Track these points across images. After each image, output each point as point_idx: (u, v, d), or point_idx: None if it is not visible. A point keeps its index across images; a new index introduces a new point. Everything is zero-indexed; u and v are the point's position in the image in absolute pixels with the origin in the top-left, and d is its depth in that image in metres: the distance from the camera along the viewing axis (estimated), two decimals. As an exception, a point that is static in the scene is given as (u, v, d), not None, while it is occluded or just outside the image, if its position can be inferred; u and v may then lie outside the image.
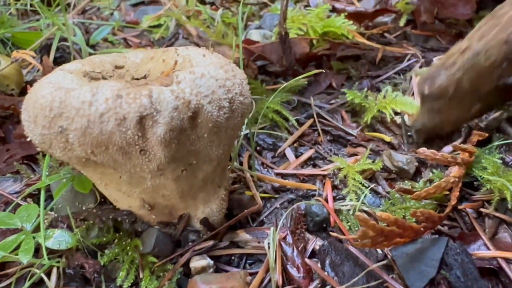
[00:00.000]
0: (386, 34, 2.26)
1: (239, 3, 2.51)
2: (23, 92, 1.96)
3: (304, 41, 2.01)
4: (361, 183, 1.37)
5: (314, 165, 1.55)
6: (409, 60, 2.00)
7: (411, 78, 1.90)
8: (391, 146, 1.59)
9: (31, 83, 2.04)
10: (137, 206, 1.18)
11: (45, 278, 1.15)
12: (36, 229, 1.22)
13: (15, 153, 1.55)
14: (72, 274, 1.17)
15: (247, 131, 1.57)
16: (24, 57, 2.12)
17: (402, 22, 2.27)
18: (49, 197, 1.41)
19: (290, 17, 2.27)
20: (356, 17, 2.26)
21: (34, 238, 1.18)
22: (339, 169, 1.44)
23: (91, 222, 1.21)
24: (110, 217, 1.19)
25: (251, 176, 1.42)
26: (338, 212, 1.33)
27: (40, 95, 1.02)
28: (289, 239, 1.23)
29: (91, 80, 1.14)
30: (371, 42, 2.11)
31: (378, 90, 1.87)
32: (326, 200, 1.34)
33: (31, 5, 2.78)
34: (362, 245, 1.08)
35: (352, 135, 1.65)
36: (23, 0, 2.95)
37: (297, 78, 1.61)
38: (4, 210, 1.32)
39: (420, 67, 1.93)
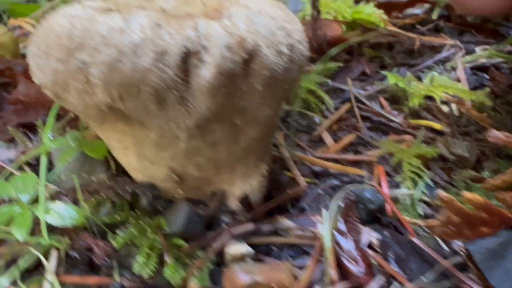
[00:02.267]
0: (417, 26, 2.10)
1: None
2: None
3: (336, 23, 1.84)
4: (419, 168, 1.18)
5: (356, 151, 1.36)
6: (448, 50, 1.83)
7: (452, 68, 1.73)
8: (441, 135, 1.40)
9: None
10: (162, 177, 0.97)
11: (44, 260, 0.92)
12: (34, 202, 1.00)
13: (8, 120, 1.32)
14: (77, 258, 0.94)
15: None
16: (22, 25, 1.90)
17: (435, 15, 2.12)
18: (49, 169, 1.19)
19: (317, 2, 2.10)
20: (386, 6, 2.10)
21: (31, 211, 0.95)
22: (390, 154, 1.24)
23: (103, 195, 0.99)
24: (128, 190, 0.97)
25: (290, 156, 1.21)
26: (394, 200, 1.12)
27: (56, 23, 0.81)
28: (343, 227, 1.02)
29: (115, 19, 0.94)
30: (405, 32, 1.95)
31: (418, 79, 1.69)
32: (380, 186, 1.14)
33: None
34: (443, 233, 0.88)
35: (395, 122, 1.46)
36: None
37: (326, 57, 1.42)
38: (-5, 180, 1.09)
39: (462, 56, 1.77)
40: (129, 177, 1.04)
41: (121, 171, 1.07)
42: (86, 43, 0.77)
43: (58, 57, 0.78)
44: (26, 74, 1.44)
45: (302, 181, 1.13)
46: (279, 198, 1.06)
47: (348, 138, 1.37)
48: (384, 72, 1.61)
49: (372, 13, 1.95)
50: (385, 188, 1.12)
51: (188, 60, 0.78)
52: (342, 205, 1.08)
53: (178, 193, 0.99)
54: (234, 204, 1.00)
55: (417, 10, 2.17)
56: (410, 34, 1.92)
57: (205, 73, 0.78)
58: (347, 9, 2.00)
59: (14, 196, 0.99)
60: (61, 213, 0.95)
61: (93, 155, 1.00)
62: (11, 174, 1.10)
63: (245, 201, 0.98)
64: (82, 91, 0.80)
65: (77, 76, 0.78)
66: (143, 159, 0.95)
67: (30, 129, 1.33)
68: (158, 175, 0.97)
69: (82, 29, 0.77)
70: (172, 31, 0.76)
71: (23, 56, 1.81)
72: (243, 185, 1.00)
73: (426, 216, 1.12)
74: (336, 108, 1.51)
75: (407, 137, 1.40)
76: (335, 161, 1.29)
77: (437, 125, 1.40)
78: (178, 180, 0.96)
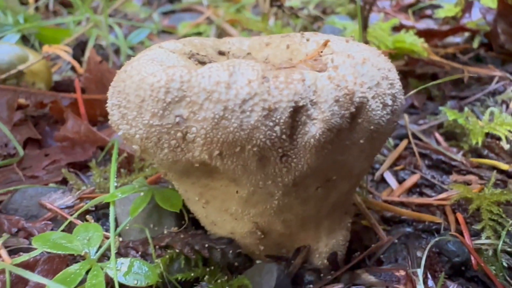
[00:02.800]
0: (459, 55, 2.05)
1: (289, 15, 2.29)
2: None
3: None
4: (500, 216, 1.11)
5: (421, 193, 1.29)
6: (497, 82, 1.78)
7: (503, 101, 1.68)
8: (507, 175, 1.34)
9: (61, 83, 1.75)
10: (243, 233, 0.90)
11: (119, 326, 0.85)
12: (101, 256, 0.92)
13: (57, 158, 1.25)
14: (153, 321, 0.87)
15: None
16: (57, 52, 1.84)
17: (476, 43, 2.08)
18: (103, 216, 1.11)
19: (356, 30, 2.06)
20: (426, 34, 2.06)
21: (102, 269, 0.88)
22: (466, 199, 1.18)
23: (177, 250, 0.92)
24: (206, 245, 0.90)
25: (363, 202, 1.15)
26: (476, 251, 1.06)
27: (147, 73, 0.74)
28: (431, 283, 0.95)
29: (198, 64, 0.88)
30: (449, 61, 1.90)
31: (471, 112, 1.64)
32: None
33: (62, 3, 2.51)
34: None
35: (455, 160, 1.40)
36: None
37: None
38: (53, 230, 1.02)
39: (513, 90, 1.71)
40: (201, 228, 0.97)
41: (192, 224, 1.00)
42: (185, 98, 0.70)
43: (153, 111, 0.72)
44: (73, 108, 1.38)
45: (382, 232, 1.06)
46: (364, 253, 0.99)
47: (412, 179, 1.31)
48: (441, 108, 1.55)
49: (414, 41, 1.91)
50: (468, 239, 1.06)
51: (296, 116, 0.71)
52: (423, 256, 1.01)
53: (258, 249, 0.92)
54: (318, 261, 0.93)
55: (458, 39, 2.13)
56: (455, 64, 1.87)
57: (313, 129, 0.72)
58: (388, 37, 1.96)
59: (81, 250, 0.91)
60: (134, 272, 0.88)
61: (170, 208, 0.93)
62: (70, 223, 1.02)
63: (333, 259, 0.91)
64: (176, 146, 0.74)
65: (174, 132, 0.72)
66: (225, 214, 0.88)
67: (79, 168, 1.26)
68: (239, 231, 0.90)
69: (181, 81, 0.71)
70: (281, 84, 0.70)
71: (56, 84, 1.74)
72: (328, 240, 0.93)
73: (510, 268, 1.05)
74: (395, 146, 1.45)
75: (472, 177, 1.34)
76: (403, 204, 1.23)
77: (503, 165, 1.34)
78: (262, 235, 0.89)
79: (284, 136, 0.71)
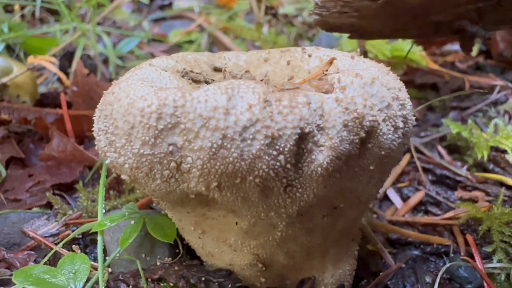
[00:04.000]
0: (457, 63, 2.01)
1: (284, 23, 2.23)
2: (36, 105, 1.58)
3: (380, 63, 1.73)
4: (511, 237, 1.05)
5: (426, 212, 1.23)
6: (499, 92, 1.74)
7: (505, 111, 1.63)
8: (513, 191, 1.29)
9: (47, 96, 1.67)
10: (243, 265, 0.83)
11: None
12: (89, 291, 0.85)
13: (42, 179, 1.17)
14: None
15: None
16: (43, 63, 1.76)
17: (474, 52, 2.03)
18: (91, 242, 1.04)
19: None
20: (424, 43, 2.01)
21: (89, 307, 0.80)
22: (475, 219, 1.12)
23: (171, 284, 0.85)
24: (203, 278, 0.83)
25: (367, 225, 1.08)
26: (489, 277, 1.00)
27: (137, 96, 0.67)
28: (443, 316, 0.89)
29: (192, 83, 0.81)
30: (448, 70, 1.85)
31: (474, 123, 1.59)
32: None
33: (49, 10, 2.43)
34: None
35: (460, 175, 1.34)
36: (30, 7, 2.62)
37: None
38: (36, 261, 0.94)
39: (516, 100, 1.67)
40: (197, 258, 0.90)
41: (185, 252, 0.93)
42: (180, 125, 0.64)
43: (143, 139, 0.65)
44: (59, 124, 1.30)
45: (389, 258, 1.00)
46: (373, 284, 0.93)
47: (417, 197, 1.25)
48: (443, 120, 1.50)
49: (412, 50, 1.86)
50: (480, 264, 1.00)
51: (301, 143, 0.65)
52: (435, 283, 0.95)
53: (259, 281, 0.85)
54: (324, 293, 0.86)
55: (456, 46, 2.08)
56: (455, 74, 1.82)
57: (320, 157, 0.65)
58: (385, 46, 1.91)
59: (66, 285, 0.84)
60: (124, 309, 0.81)
61: (163, 239, 0.86)
62: (55, 252, 0.95)
63: (340, 291, 0.85)
64: (169, 176, 0.67)
65: (167, 162, 0.65)
66: (223, 245, 0.81)
67: (65, 189, 1.18)
68: (238, 262, 0.83)
69: (175, 106, 0.64)
70: (284, 109, 0.64)
71: (42, 96, 1.66)
72: (335, 271, 0.86)
73: (524, 294, 0.99)
74: (397, 160, 1.39)
75: (478, 194, 1.28)
76: (409, 224, 1.17)
77: (510, 181, 1.29)
78: (263, 268, 0.82)
79: (288, 165, 0.65)
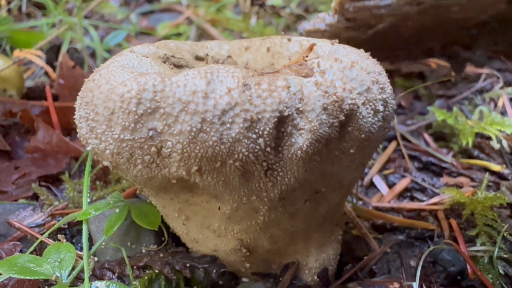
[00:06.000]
0: (444, 52, 2.02)
1: (271, 14, 2.23)
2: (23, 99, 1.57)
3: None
4: (495, 221, 1.07)
5: (412, 198, 1.25)
6: (485, 80, 1.75)
7: (491, 99, 1.65)
8: (498, 176, 1.30)
9: (34, 90, 1.67)
10: (227, 250, 0.84)
11: None
12: (74, 279, 0.85)
13: (28, 171, 1.17)
14: None
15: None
16: (29, 57, 1.75)
17: (461, 41, 2.04)
18: (78, 233, 1.04)
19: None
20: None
21: (75, 294, 0.81)
22: (459, 204, 1.13)
23: (157, 271, 0.85)
24: (187, 264, 0.83)
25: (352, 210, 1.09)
26: (472, 259, 1.01)
27: (117, 82, 0.68)
28: (427, 298, 0.90)
29: (174, 68, 0.81)
30: (435, 59, 1.86)
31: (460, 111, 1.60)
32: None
33: (36, 5, 2.41)
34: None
35: (446, 162, 1.36)
36: (17, 1, 2.60)
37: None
38: (22, 252, 0.94)
39: (501, 87, 1.68)
40: (183, 245, 0.91)
41: (171, 239, 0.93)
42: (160, 109, 0.64)
43: (124, 124, 0.65)
44: (44, 117, 1.30)
45: (374, 243, 1.01)
46: (356, 267, 0.94)
47: (402, 183, 1.26)
48: (429, 108, 1.51)
49: (399, 39, 1.87)
50: (463, 247, 1.01)
51: (281, 126, 0.65)
52: (418, 267, 0.96)
53: (244, 266, 0.86)
54: (308, 277, 0.87)
55: (442, 36, 2.09)
56: (441, 62, 1.83)
57: (300, 140, 0.66)
58: None
59: (51, 274, 0.84)
60: (110, 296, 0.81)
61: (147, 226, 0.86)
62: (41, 242, 0.95)
63: (323, 275, 0.86)
64: (150, 162, 0.67)
65: (147, 147, 0.65)
66: (207, 231, 0.82)
67: (52, 181, 1.18)
68: (222, 248, 0.84)
69: (154, 91, 0.64)
70: (264, 93, 0.64)
71: (29, 90, 1.65)
72: (319, 255, 0.87)
73: (507, 276, 1.01)
74: (383, 148, 1.40)
75: (463, 180, 1.30)
76: (394, 210, 1.18)
77: (494, 166, 1.31)
78: (248, 253, 0.83)
79: (268, 149, 0.65)
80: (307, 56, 0.74)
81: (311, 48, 0.75)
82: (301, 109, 0.66)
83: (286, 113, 0.65)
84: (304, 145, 0.66)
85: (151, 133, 0.65)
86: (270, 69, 0.70)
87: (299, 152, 0.66)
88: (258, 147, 0.64)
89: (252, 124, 0.63)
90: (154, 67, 0.76)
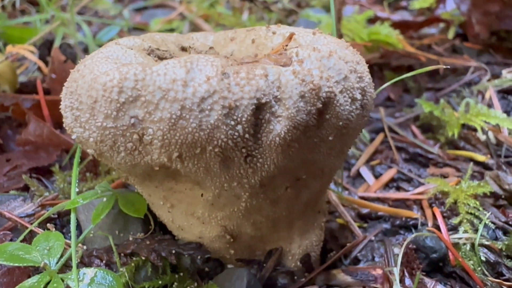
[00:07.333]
0: (434, 46, 2.04)
1: (263, 9, 2.25)
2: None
3: (356, 46, 1.76)
4: (478, 209, 1.09)
5: (398, 188, 1.27)
6: (473, 72, 1.77)
7: (479, 91, 1.66)
8: (483, 166, 1.33)
9: (27, 85, 1.68)
10: (212, 237, 0.86)
11: None
12: (63, 267, 0.87)
13: (19, 163, 1.19)
14: (118, 334, 0.82)
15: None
16: (22, 52, 1.77)
17: (451, 34, 2.07)
18: (68, 223, 1.06)
19: (331, 23, 2.03)
20: (401, 26, 2.04)
21: (63, 281, 0.83)
22: (442, 193, 1.15)
23: (143, 258, 0.87)
24: (173, 251, 0.85)
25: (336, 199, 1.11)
26: (454, 246, 1.03)
27: (100, 72, 0.69)
28: (408, 282, 0.92)
29: (158, 60, 0.83)
30: (424, 53, 1.88)
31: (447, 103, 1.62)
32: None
33: (30, 1, 2.42)
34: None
35: (432, 153, 1.38)
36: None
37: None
38: (12, 240, 0.96)
39: (489, 80, 1.70)
40: (169, 233, 0.93)
41: (158, 227, 0.95)
42: (140, 98, 0.66)
43: (106, 113, 0.67)
44: (36, 111, 1.31)
45: (358, 230, 1.03)
46: (339, 253, 0.96)
47: (389, 174, 1.28)
48: (416, 100, 1.53)
49: (389, 33, 1.89)
50: (445, 234, 1.03)
51: (259, 113, 0.67)
52: (399, 253, 0.99)
53: (229, 253, 0.88)
54: (292, 263, 0.89)
55: (433, 29, 2.11)
56: (431, 56, 1.85)
57: (278, 127, 0.68)
58: (363, 30, 1.93)
59: (40, 261, 0.86)
60: (98, 282, 0.83)
61: (134, 214, 0.88)
62: (31, 232, 0.97)
63: (306, 260, 0.88)
64: (133, 149, 0.69)
65: (129, 134, 0.67)
66: (191, 218, 0.84)
67: (43, 173, 1.20)
68: (207, 235, 0.86)
69: (135, 80, 0.66)
70: (242, 81, 0.66)
71: (22, 85, 1.67)
72: (302, 242, 0.89)
73: (488, 263, 1.03)
74: (371, 140, 1.42)
75: (449, 170, 1.32)
76: (379, 200, 1.20)
77: (480, 157, 1.33)
78: (231, 239, 0.85)
79: (247, 135, 0.67)
80: (286, 46, 0.76)
81: (290, 38, 0.77)
82: (278, 96, 0.68)
83: (263, 101, 0.67)
84: (282, 132, 0.68)
85: (132, 120, 0.67)
86: (249, 58, 0.72)
87: (277, 138, 0.68)
88: (236, 133, 0.66)
89: (230, 111, 0.65)
90: (138, 59, 0.78)
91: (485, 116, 1.37)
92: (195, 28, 2.30)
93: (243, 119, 0.66)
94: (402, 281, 0.92)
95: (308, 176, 0.80)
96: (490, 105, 1.57)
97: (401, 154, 1.40)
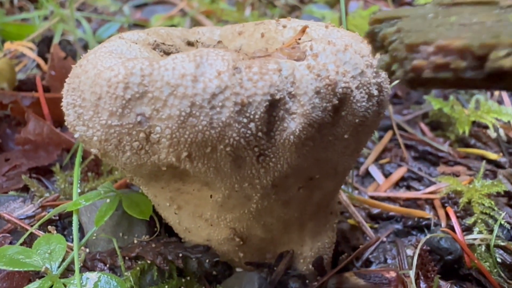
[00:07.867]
0: (440, 42, 2.00)
1: (266, 5, 2.21)
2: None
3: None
4: (492, 209, 1.05)
5: (408, 187, 1.23)
6: (481, 68, 1.73)
7: (488, 88, 1.63)
8: (495, 164, 1.29)
9: (26, 82, 1.64)
10: (220, 240, 0.82)
11: None
12: (65, 271, 0.84)
13: (18, 163, 1.15)
14: None
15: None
16: (20, 49, 1.73)
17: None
18: (69, 225, 1.02)
19: (335, 19, 2.00)
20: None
21: (65, 286, 0.79)
22: (455, 192, 1.12)
23: (149, 261, 0.84)
24: (180, 254, 0.82)
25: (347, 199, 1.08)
26: (470, 248, 1.00)
27: (104, 67, 0.66)
28: (423, 286, 0.89)
29: (163, 55, 0.79)
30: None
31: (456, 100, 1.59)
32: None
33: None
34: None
35: (442, 151, 1.35)
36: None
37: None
38: (12, 243, 0.93)
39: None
40: (175, 235, 0.89)
41: (164, 230, 0.92)
42: (147, 94, 0.62)
43: (111, 110, 0.63)
44: (35, 109, 1.28)
45: (370, 231, 1.00)
46: (352, 256, 0.93)
47: (398, 173, 1.25)
48: (425, 97, 1.50)
49: (395, 29, 1.85)
50: (460, 235, 1.00)
51: (272, 110, 0.64)
52: (413, 255, 0.95)
53: (238, 256, 0.85)
54: (303, 266, 0.86)
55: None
56: (438, 52, 1.81)
57: (292, 125, 0.64)
58: (368, 25, 1.90)
59: (41, 265, 0.82)
60: (101, 286, 0.79)
61: (139, 216, 0.84)
62: (31, 234, 0.93)
63: (318, 263, 0.84)
64: (139, 148, 0.65)
65: (135, 132, 0.64)
66: (199, 220, 0.80)
67: (43, 173, 1.16)
68: (215, 237, 0.82)
69: (142, 75, 0.62)
70: (254, 76, 0.62)
71: (21, 83, 1.63)
72: (313, 244, 0.86)
73: (504, 264, 1.00)
74: (379, 138, 1.39)
75: (460, 168, 1.29)
76: (390, 200, 1.17)
77: (491, 155, 1.29)
78: (241, 242, 0.81)
79: (260, 134, 0.64)
80: (299, 39, 0.73)
81: (303, 31, 0.73)
82: (293, 92, 0.64)
83: (277, 97, 0.63)
84: (297, 130, 0.64)
85: (139, 118, 0.63)
86: (261, 52, 0.69)
87: (291, 137, 0.65)
88: (249, 131, 0.63)
89: (242, 108, 0.61)
90: (143, 54, 0.75)
91: (497, 113, 1.34)
92: (196, 24, 2.26)
93: (256, 116, 0.62)
94: (417, 284, 0.89)
95: (321, 176, 0.76)
96: (499, 102, 1.54)
97: (410, 152, 1.37)
